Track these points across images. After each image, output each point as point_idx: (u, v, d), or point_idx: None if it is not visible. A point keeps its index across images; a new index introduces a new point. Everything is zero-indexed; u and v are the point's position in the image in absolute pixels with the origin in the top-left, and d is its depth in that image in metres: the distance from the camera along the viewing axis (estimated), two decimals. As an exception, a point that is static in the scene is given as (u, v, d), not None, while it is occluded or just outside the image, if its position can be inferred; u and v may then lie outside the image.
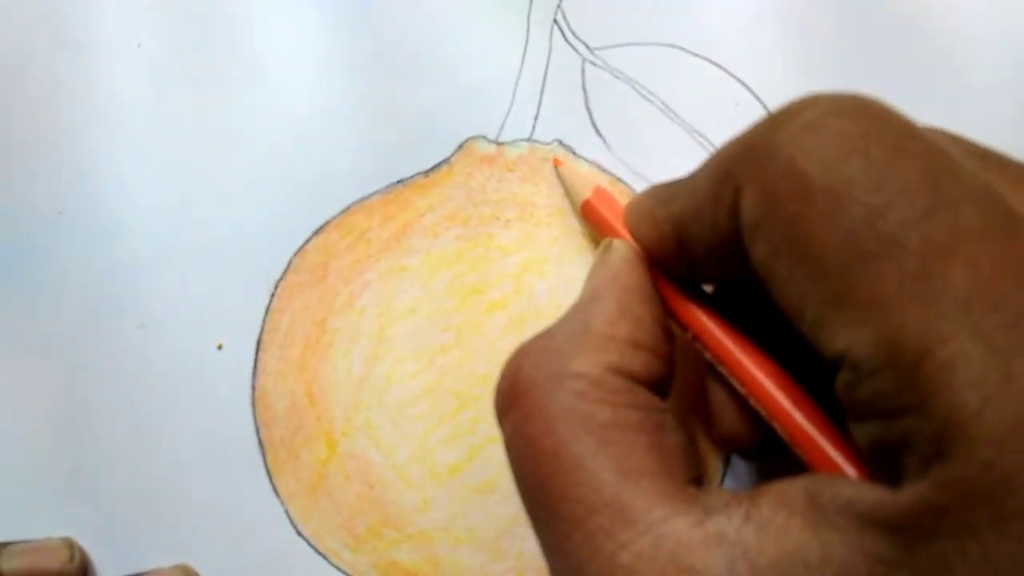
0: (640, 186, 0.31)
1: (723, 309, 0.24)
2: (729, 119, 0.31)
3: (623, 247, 0.25)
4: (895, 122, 0.18)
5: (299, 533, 0.31)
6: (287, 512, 0.31)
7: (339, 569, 0.30)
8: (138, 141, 0.32)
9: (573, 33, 0.32)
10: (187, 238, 0.32)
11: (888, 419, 0.17)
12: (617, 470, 0.19)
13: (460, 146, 0.32)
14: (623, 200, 0.27)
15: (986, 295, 0.16)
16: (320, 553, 0.31)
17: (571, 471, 0.20)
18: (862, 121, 0.18)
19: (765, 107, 0.32)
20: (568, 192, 0.31)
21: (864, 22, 0.32)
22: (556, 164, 0.31)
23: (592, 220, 0.29)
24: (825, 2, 0.32)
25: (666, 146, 0.31)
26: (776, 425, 0.22)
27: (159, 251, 0.32)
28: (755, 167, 0.19)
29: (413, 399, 0.31)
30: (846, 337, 0.17)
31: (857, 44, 0.32)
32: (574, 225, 0.31)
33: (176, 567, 0.30)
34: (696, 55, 0.32)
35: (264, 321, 0.31)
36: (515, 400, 0.21)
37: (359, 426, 0.31)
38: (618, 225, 0.26)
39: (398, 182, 0.32)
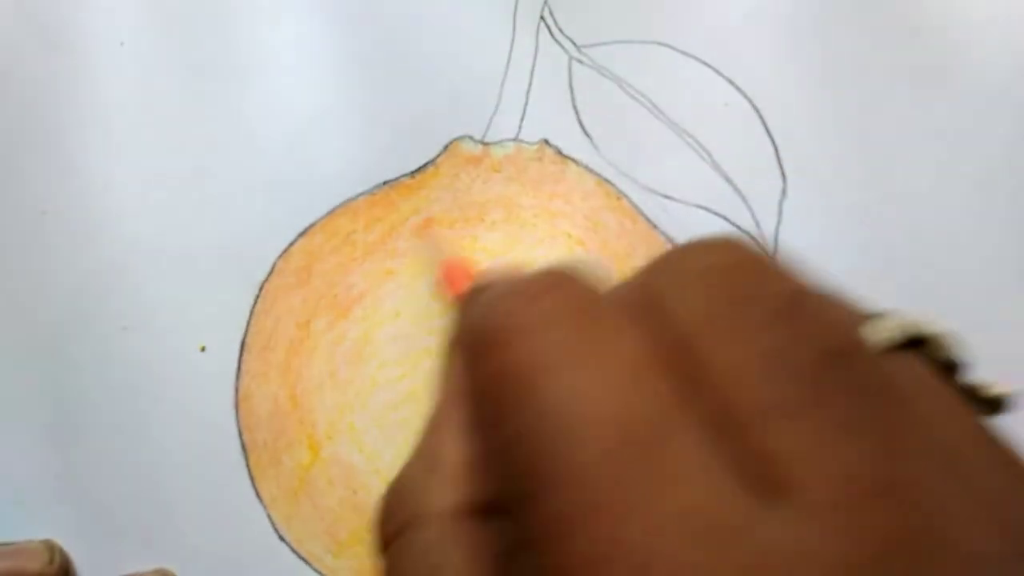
0: (626, 186, 0.31)
1: None
2: (718, 119, 0.31)
3: None
4: None
5: (281, 538, 0.30)
6: (269, 517, 0.30)
7: (321, 574, 0.30)
8: (123, 141, 0.32)
9: (560, 30, 0.32)
10: (172, 240, 0.31)
11: None
12: None
13: (446, 147, 0.31)
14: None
15: None
16: (302, 558, 0.30)
17: None
18: None
19: (754, 107, 0.31)
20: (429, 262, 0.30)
21: (856, 22, 0.31)
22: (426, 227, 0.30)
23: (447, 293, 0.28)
24: (816, 2, 0.31)
25: (654, 146, 0.31)
26: None
27: (143, 253, 0.31)
28: None
29: (397, 403, 0.30)
30: None
31: (848, 45, 0.31)
32: (560, 227, 0.30)
33: (156, 571, 0.30)
34: (685, 54, 0.31)
35: (248, 323, 0.31)
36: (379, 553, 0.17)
37: (342, 430, 0.30)
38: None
39: (383, 183, 0.31)
